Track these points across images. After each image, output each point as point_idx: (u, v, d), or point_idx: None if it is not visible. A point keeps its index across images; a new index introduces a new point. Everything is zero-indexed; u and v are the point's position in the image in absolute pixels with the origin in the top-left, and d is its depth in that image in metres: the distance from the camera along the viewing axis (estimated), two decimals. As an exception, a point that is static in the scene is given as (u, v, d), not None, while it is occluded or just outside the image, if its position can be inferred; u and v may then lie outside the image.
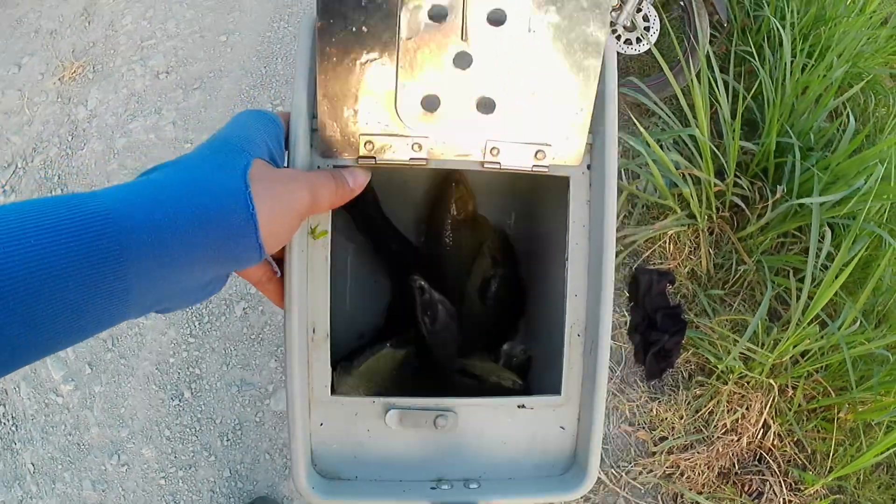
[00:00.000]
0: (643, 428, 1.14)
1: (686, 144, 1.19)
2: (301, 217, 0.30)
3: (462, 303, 0.49)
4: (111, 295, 0.23)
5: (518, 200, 0.51)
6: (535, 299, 0.48)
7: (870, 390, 1.14)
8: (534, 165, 0.35)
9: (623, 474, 1.12)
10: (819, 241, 1.12)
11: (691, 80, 1.16)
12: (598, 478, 1.15)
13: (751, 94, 1.27)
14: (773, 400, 1.19)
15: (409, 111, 0.33)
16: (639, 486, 1.13)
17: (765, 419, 1.20)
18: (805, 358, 1.19)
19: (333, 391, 0.36)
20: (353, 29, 0.31)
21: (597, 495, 1.13)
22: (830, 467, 1.20)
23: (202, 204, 0.25)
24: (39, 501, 1.15)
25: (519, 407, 0.37)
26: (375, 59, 0.32)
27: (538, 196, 0.46)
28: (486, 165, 0.34)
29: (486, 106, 0.33)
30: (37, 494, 1.16)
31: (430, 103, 0.33)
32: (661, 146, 1.12)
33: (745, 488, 1.22)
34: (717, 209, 1.20)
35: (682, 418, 1.15)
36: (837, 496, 1.24)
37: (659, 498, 1.15)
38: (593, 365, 0.35)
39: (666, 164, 1.11)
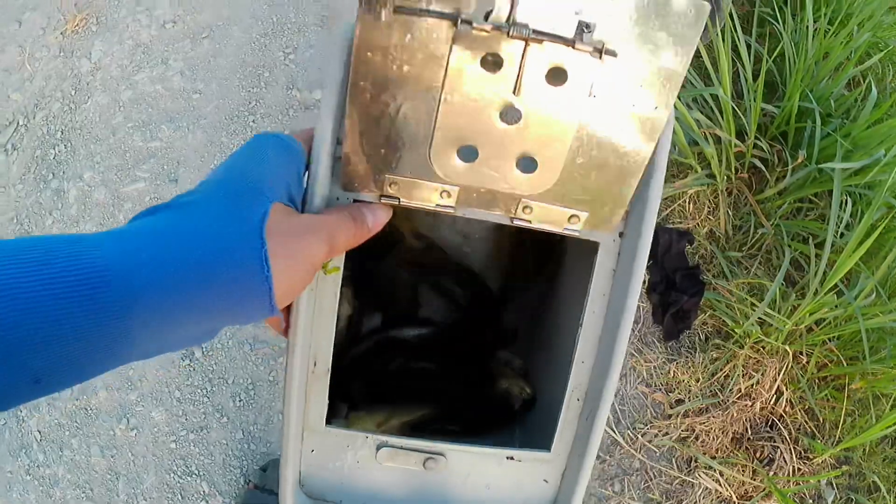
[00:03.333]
0: (660, 390, 1.12)
1: (707, 103, 1.15)
2: (315, 270, 0.28)
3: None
4: (113, 350, 0.22)
5: (530, 252, 0.50)
6: (541, 349, 0.46)
7: (881, 362, 1.12)
8: (565, 228, 0.33)
9: (639, 436, 1.10)
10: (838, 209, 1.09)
11: (715, 38, 1.12)
12: (615, 440, 1.12)
13: (772, 58, 1.23)
14: (788, 366, 1.17)
15: (444, 159, 0.30)
16: (654, 448, 1.11)
17: (778, 385, 1.18)
18: (820, 326, 1.17)
19: (328, 422, 0.35)
20: (394, 66, 0.28)
21: (612, 457, 1.11)
22: (839, 438, 1.19)
23: (214, 264, 0.22)
24: (47, 469, 1.12)
25: (508, 458, 0.37)
26: (416, 97, 0.28)
27: (558, 246, 0.45)
28: (515, 221, 0.32)
29: (526, 165, 0.30)
30: (44, 462, 1.12)
31: (468, 154, 0.30)
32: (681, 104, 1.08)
33: (757, 454, 1.21)
34: (737, 170, 1.17)
35: (698, 381, 1.12)
36: (845, 467, 1.23)
37: (673, 461, 1.13)
38: (588, 431, 0.35)
39: (688, 122, 1.07)
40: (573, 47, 0.27)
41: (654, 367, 1.12)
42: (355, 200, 0.32)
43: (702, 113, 1.13)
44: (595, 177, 0.31)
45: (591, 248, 0.35)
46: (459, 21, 0.26)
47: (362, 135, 0.29)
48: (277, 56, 1.22)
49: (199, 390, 1.09)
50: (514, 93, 0.28)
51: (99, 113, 1.23)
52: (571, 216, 0.32)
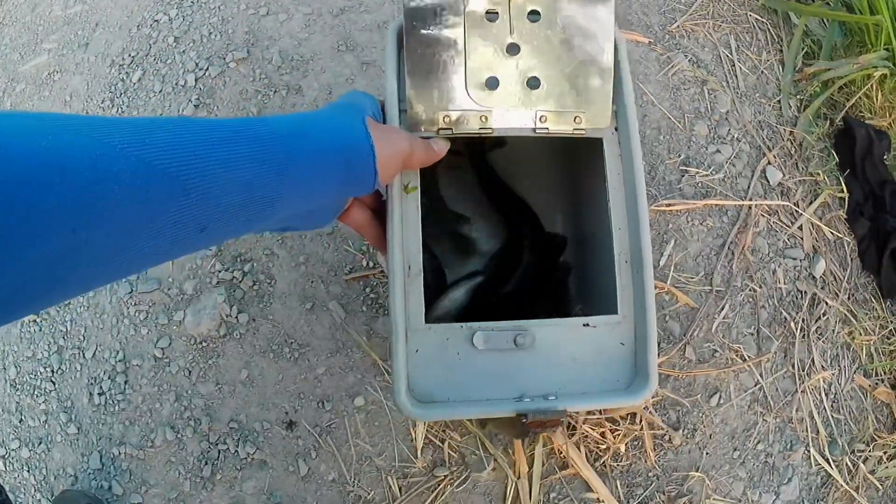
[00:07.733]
0: (883, 382, 0.62)
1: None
2: (402, 159, 0.36)
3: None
4: (265, 203, 0.29)
5: (558, 163, 0.59)
6: (588, 239, 0.52)
7: None
8: (574, 129, 0.42)
9: (860, 464, 0.58)
10: None
11: None
12: (828, 475, 0.62)
13: None
14: None
15: (476, 90, 0.41)
16: (877, 483, 0.59)
17: None
18: None
19: (427, 320, 0.40)
20: (432, 31, 0.40)
21: (825, 501, 0.58)
22: None
23: (338, 138, 0.32)
24: None
25: (584, 325, 0.41)
26: (449, 52, 0.41)
27: (577, 156, 0.54)
28: (537, 131, 0.42)
29: (532, 84, 0.42)
30: None
31: (492, 83, 0.41)
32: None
33: None
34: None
35: (945, 365, 0.62)
36: None
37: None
38: (641, 285, 0.41)
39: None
40: None
41: (875, 343, 0.62)
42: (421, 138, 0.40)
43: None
44: (581, 82, 0.42)
45: (599, 145, 0.43)
46: None
47: (418, 85, 0.40)
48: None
49: (43, 368, 0.56)
50: (510, 33, 0.41)
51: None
52: (576, 117, 0.42)
